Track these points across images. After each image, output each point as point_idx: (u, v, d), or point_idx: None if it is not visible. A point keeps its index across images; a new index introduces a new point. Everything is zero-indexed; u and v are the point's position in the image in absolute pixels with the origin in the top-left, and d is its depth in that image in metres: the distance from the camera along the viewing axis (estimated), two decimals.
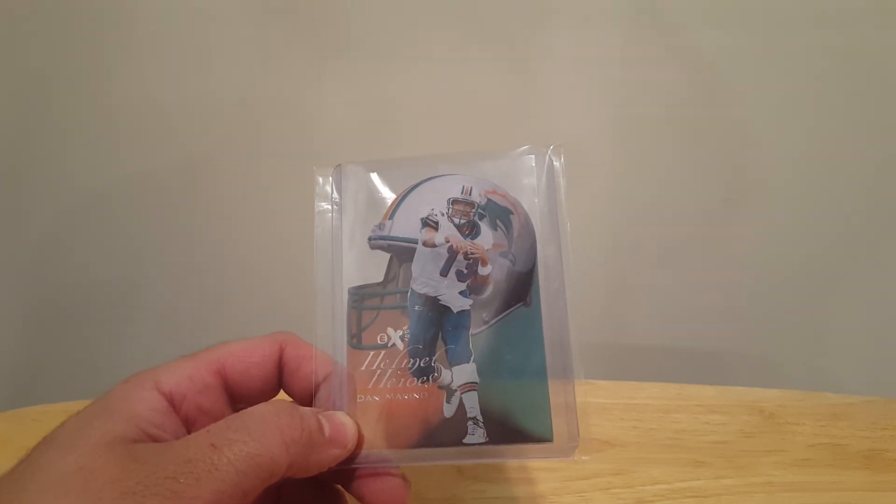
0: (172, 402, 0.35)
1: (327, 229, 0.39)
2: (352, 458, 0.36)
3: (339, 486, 0.38)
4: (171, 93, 0.74)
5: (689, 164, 0.73)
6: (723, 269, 0.77)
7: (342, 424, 0.35)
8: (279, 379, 0.39)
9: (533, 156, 0.39)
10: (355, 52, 0.71)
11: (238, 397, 0.38)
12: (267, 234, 0.79)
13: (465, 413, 0.36)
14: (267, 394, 0.39)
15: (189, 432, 0.35)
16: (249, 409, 0.33)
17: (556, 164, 0.39)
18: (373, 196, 0.40)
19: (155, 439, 0.32)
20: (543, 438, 0.36)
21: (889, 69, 0.68)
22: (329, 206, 0.40)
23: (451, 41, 0.70)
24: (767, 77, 0.69)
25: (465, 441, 0.36)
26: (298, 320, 0.39)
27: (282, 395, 0.40)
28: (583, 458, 0.35)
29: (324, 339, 0.38)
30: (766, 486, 0.50)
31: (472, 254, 0.38)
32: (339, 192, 0.40)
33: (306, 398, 0.38)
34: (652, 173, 0.74)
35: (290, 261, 0.75)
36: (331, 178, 0.40)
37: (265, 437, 0.31)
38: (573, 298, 0.37)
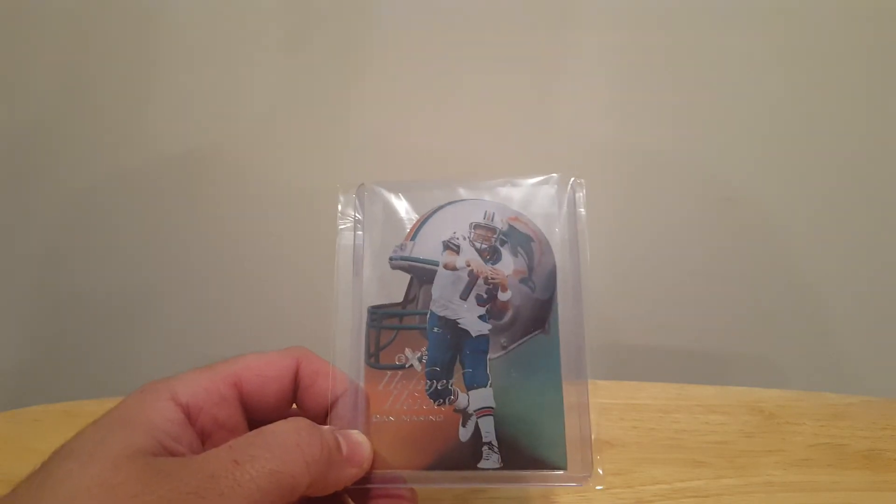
0: (189, 414, 0.35)
1: (349, 248, 0.39)
2: (366, 477, 0.36)
3: None
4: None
5: (689, 162, 0.74)
6: (723, 268, 0.77)
7: (358, 444, 0.36)
8: (294, 394, 0.39)
9: (556, 185, 0.39)
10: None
11: (252, 410, 0.38)
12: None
13: (481, 437, 0.37)
14: (280, 408, 0.39)
15: (204, 445, 0.35)
16: (270, 426, 0.33)
17: (579, 194, 0.39)
18: (395, 217, 0.40)
19: (172, 452, 0.32)
20: (558, 466, 0.36)
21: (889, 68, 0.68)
22: (351, 225, 0.40)
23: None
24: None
25: (479, 465, 0.36)
26: (314, 336, 0.40)
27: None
28: (597, 487, 0.36)
29: (341, 357, 0.38)
30: (766, 486, 0.51)
31: (492, 279, 0.38)
32: (362, 211, 0.40)
33: (319, 414, 0.38)
34: (652, 172, 0.74)
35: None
36: (354, 197, 0.40)
37: (286, 455, 0.31)
38: (591, 327, 0.37)
